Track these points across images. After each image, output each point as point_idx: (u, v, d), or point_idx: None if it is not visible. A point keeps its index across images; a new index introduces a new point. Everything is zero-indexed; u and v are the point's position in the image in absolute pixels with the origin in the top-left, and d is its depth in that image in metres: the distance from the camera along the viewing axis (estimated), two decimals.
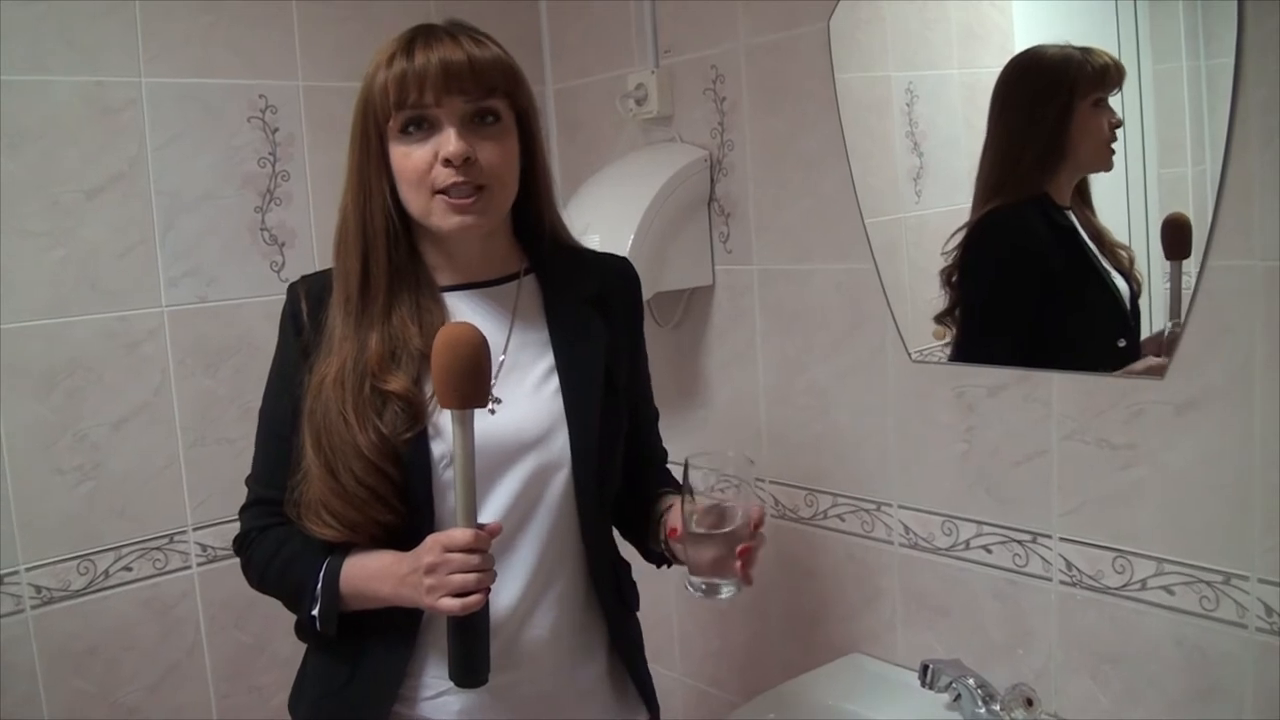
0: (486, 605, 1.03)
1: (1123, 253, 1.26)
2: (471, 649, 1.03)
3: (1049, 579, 1.36)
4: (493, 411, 1.11)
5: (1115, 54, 1.22)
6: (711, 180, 1.74)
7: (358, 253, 1.12)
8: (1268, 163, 1.10)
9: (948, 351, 1.45)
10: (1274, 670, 1.15)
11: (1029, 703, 1.30)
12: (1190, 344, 1.18)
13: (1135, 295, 1.26)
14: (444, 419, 1.07)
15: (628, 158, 1.85)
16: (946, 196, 1.44)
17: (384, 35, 1.11)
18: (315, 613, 1.12)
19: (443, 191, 1.08)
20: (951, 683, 1.36)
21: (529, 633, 1.15)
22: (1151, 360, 1.23)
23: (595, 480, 1.16)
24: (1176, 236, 1.19)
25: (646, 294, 1.54)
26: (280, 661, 1.72)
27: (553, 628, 1.16)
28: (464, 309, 1.16)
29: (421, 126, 1.08)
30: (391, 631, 1.13)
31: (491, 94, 1.09)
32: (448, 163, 1.06)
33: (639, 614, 1.30)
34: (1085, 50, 1.24)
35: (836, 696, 1.47)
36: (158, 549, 1.64)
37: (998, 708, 1.32)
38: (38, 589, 1.54)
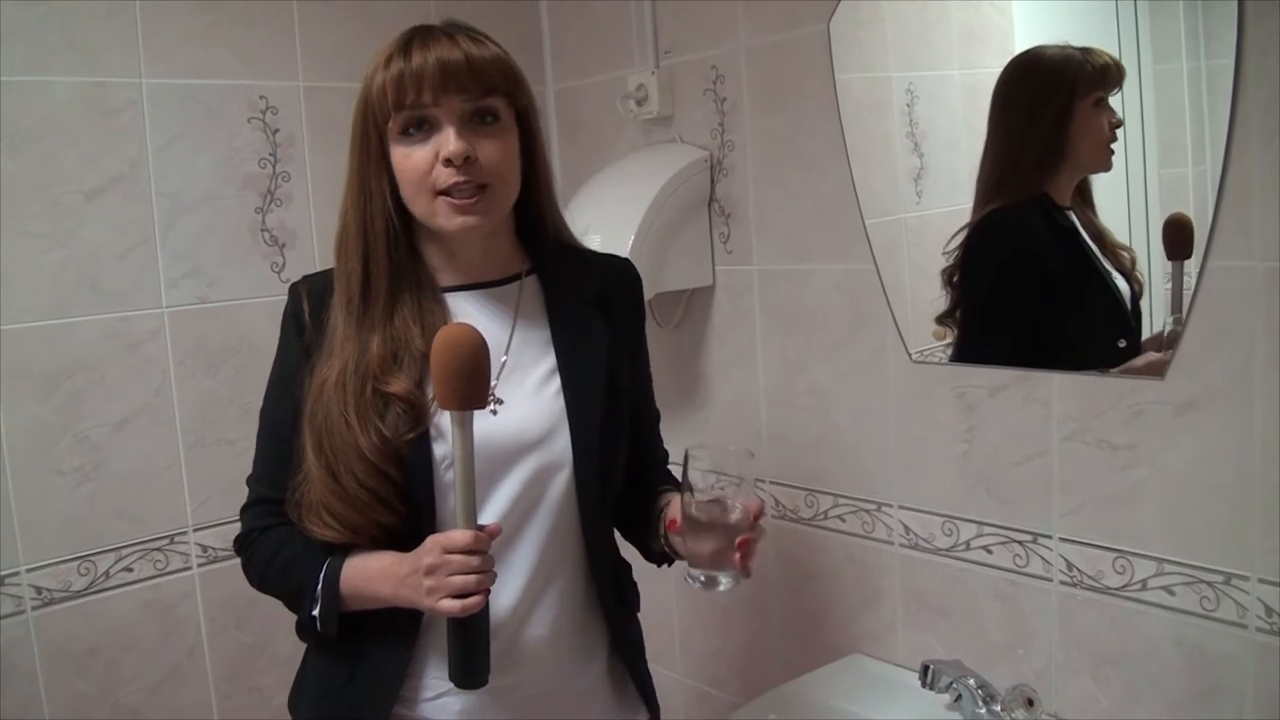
0: (486, 606, 1.03)
1: (1124, 253, 1.26)
2: (471, 650, 1.03)
3: (1049, 579, 1.36)
4: (494, 412, 1.11)
5: (1115, 54, 1.22)
6: (712, 181, 1.74)
7: (358, 254, 1.12)
8: (1268, 163, 1.10)
9: (948, 352, 1.45)
10: (1274, 670, 1.15)
11: (1029, 703, 1.30)
12: (1190, 344, 1.18)
13: (1136, 296, 1.25)
14: (446, 420, 1.07)
15: (628, 158, 1.85)
16: (947, 197, 1.44)
17: (384, 35, 1.11)
18: (315, 613, 1.12)
19: (445, 192, 1.08)
20: (952, 683, 1.36)
21: (529, 633, 1.15)
22: (1152, 359, 1.23)
23: (597, 481, 1.16)
24: (1177, 237, 1.19)
25: (647, 294, 1.54)
26: (281, 662, 1.72)
27: (553, 628, 1.16)
28: (466, 309, 1.16)
29: (421, 127, 1.08)
30: (392, 632, 1.13)
31: (490, 93, 1.09)
32: (448, 162, 1.06)
33: (639, 614, 1.30)
34: (1085, 50, 1.24)
35: (837, 697, 1.47)
36: (158, 550, 1.64)
37: (998, 708, 1.32)
38: (38, 590, 1.54)
